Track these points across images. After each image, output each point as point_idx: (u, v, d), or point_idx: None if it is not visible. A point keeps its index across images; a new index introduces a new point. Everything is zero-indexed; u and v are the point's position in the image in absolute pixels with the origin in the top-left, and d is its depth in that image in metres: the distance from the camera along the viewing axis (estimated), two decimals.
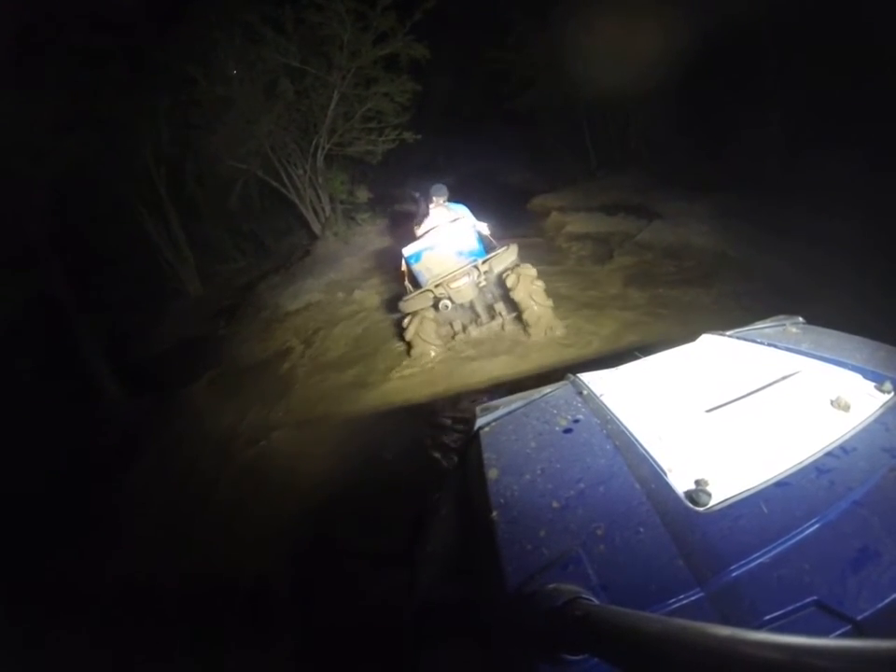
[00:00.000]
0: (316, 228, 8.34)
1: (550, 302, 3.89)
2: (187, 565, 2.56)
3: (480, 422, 1.25)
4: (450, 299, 3.88)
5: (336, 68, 7.12)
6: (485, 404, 1.37)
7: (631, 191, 7.66)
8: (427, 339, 3.97)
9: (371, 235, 8.11)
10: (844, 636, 0.60)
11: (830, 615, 0.62)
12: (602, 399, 1.19)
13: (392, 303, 4.96)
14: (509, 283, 3.82)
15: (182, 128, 7.27)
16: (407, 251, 3.85)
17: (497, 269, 3.86)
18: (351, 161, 8.76)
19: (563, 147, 11.44)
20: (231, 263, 9.32)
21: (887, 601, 0.62)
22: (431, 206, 4.21)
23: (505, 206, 6.23)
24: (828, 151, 5.17)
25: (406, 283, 4.11)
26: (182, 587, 2.37)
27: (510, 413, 1.26)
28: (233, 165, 7.51)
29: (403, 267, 3.96)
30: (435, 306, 3.92)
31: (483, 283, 3.95)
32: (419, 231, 4.14)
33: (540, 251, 6.17)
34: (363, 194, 8.46)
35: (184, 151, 7.60)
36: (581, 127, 10.37)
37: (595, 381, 1.30)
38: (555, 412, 1.20)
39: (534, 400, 1.29)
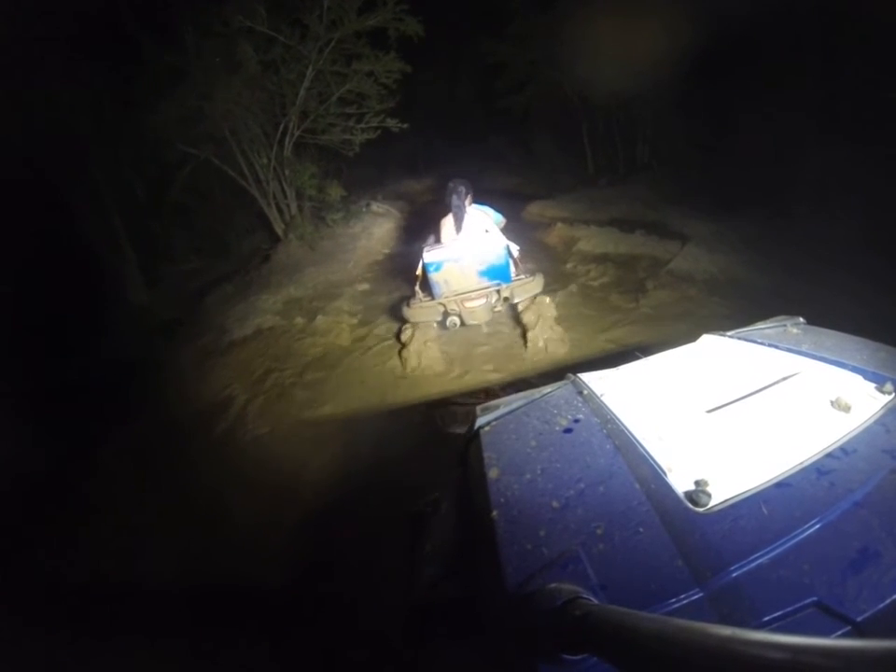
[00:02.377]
0: (279, 228, 7.20)
1: (559, 332, 3.62)
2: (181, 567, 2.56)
3: (480, 421, 1.25)
4: (460, 318, 3.55)
5: (312, 38, 6.05)
6: (486, 404, 1.37)
7: (642, 205, 6.90)
8: (428, 354, 3.64)
9: (343, 240, 7.02)
10: (844, 636, 0.60)
11: (830, 616, 0.62)
12: (602, 398, 1.19)
13: (366, 336, 4.36)
14: (525, 318, 3.61)
15: (122, 102, 5.97)
16: (428, 257, 3.38)
17: (518, 298, 3.57)
18: (324, 153, 7.65)
19: (557, 152, 10.88)
20: (184, 264, 7.95)
21: (887, 602, 0.62)
22: (468, 205, 3.66)
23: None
24: (853, 158, 4.77)
25: (416, 287, 3.67)
26: (178, 591, 2.37)
27: (510, 412, 1.26)
28: (184, 150, 6.35)
29: (419, 271, 3.52)
30: (442, 322, 3.60)
31: (499, 309, 3.66)
32: (443, 232, 3.67)
33: (548, 273, 5.01)
34: (336, 191, 7.25)
35: (124, 131, 6.30)
36: (580, 131, 9.87)
37: (595, 381, 1.30)
38: (556, 411, 1.20)
39: (534, 400, 1.29)
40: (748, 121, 6.44)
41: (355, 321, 4.75)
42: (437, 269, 3.39)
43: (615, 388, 1.24)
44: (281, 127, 6.58)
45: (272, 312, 5.19)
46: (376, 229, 7.43)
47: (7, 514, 2.99)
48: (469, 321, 3.60)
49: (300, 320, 4.86)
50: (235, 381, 4.12)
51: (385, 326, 4.47)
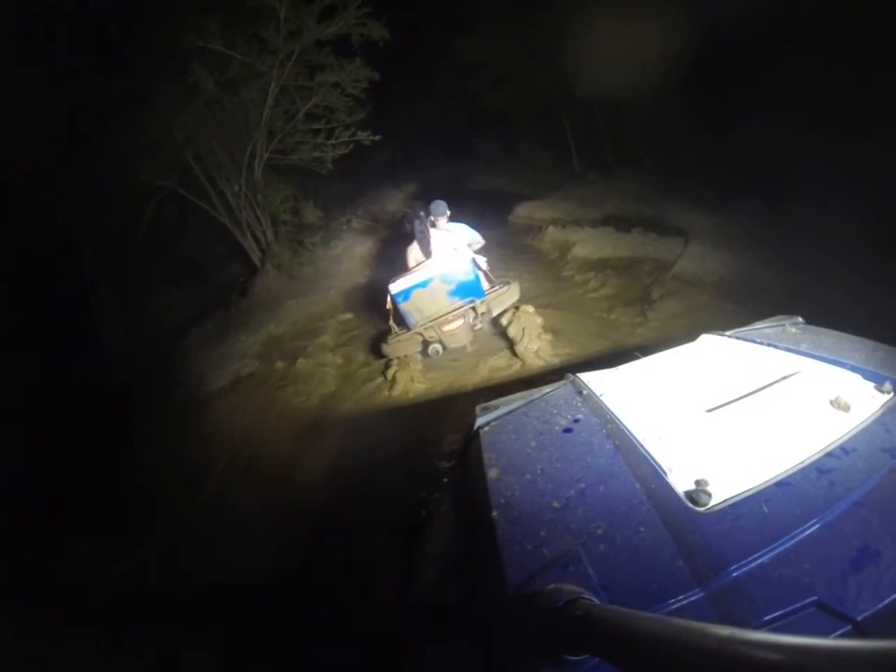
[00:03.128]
0: (256, 258, 6.70)
1: (549, 344, 3.46)
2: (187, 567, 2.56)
3: (480, 421, 1.25)
4: (441, 343, 3.45)
5: (270, 52, 5.64)
6: (485, 404, 1.36)
7: (635, 199, 6.54)
8: (416, 386, 3.49)
9: (324, 264, 6.62)
10: (844, 636, 0.60)
11: (830, 615, 0.62)
12: (602, 398, 1.19)
13: (352, 376, 3.97)
14: (510, 331, 3.46)
15: (80, 131, 5.35)
16: (394, 288, 3.27)
17: (497, 310, 3.48)
18: (298, 173, 7.27)
19: (541, 150, 10.56)
20: (163, 297, 7.23)
21: (887, 601, 0.62)
22: (431, 229, 3.60)
23: (479, 218, 4.71)
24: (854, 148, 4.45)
25: (391, 322, 3.55)
26: (182, 589, 2.37)
27: (510, 412, 1.26)
28: (151, 182, 5.86)
29: (389, 304, 3.42)
30: (424, 351, 3.50)
31: (480, 326, 3.55)
32: (411, 260, 3.59)
33: (543, 286, 4.80)
34: (312, 213, 6.89)
35: (93, 165, 5.64)
36: (562, 126, 9.48)
37: (594, 381, 1.30)
38: (555, 411, 1.20)
39: (534, 400, 1.29)
40: (741, 108, 6.13)
41: (339, 360, 4.32)
42: (405, 298, 3.29)
43: (615, 388, 1.24)
44: (248, 150, 6.18)
45: (250, 355, 4.75)
46: (358, 247, 7.15)
47: None
48: (451, 345, 3.50)
49: (280, 364, 4.38)
50: (215, 442, 3.64)
51: (371, 360, 4.09)
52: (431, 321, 3.34)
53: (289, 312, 5.49)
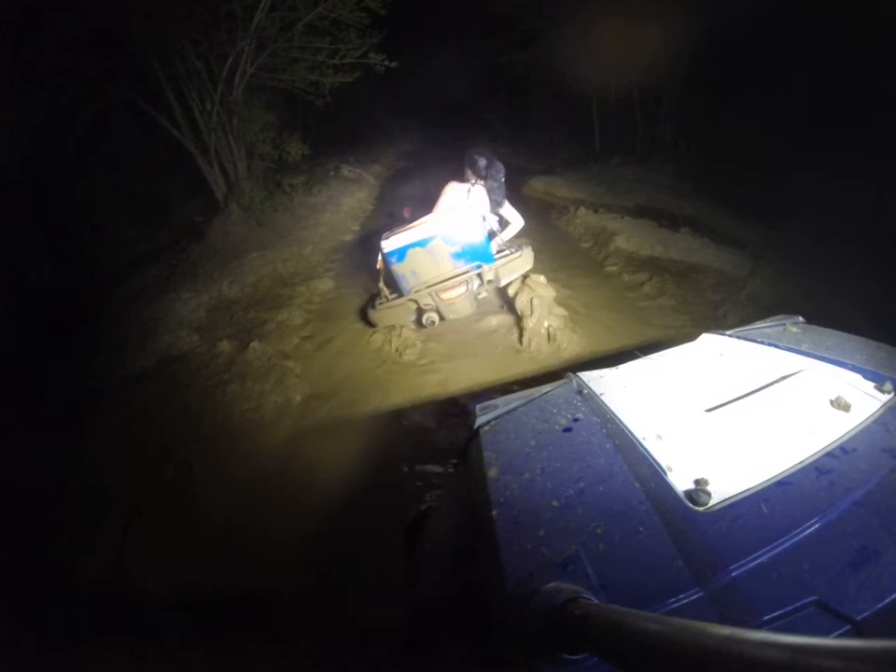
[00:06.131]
0: (221, 194, 5.59)
1: (564, 322, 3.09)
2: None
3: (480, 420, 1.25)
4: (438, 312, 3.04)
5: None
6: (485, 403, 1.36)
7: (671, 195, 5.89)
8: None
9: (302, 212, 5.52)
10: (843, 636, 0.60)
11: (830, 615, 0.62)
12: (602, 397, 1.19)
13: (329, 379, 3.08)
14: (518, 304, 3.10)
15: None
16: (387, 245, 2.83)
17: (507, 279, 3.10)
18: (285, 104, 6.12)
19: (556, 124, 9.75)
20: (116, 233, 5.82)
21: (886, 601, 0.62)
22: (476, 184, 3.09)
23: None
24: None
25: (381, 283, 3.08)
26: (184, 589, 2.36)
27: (509, 411, 1.26)
28: (97, 85, 4.70)
29: (380, 264, 3.00)
30: (417, 320, 3.10)
31: (485, 294, 3.19)
32: (444, 201, 3.12)
33: (582, 281, 4.14)
34: (297, 148, 5.79)
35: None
36: (588, 103, 8.64)
37: (594, 380, 1.30)
38: (555, 410, 1.20)
39: (534, 399, 1.29)
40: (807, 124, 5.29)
41: (309, 347, 3.38)
42: (399, 258, 2.85)
43: (615, 387, 1.24)
44: (230, 60, 5.08)
45: (189, 325, 3.63)
46: (346, 198, 6.17)
47: None
48: (450, 315, 3.10)
49: (225, 346, 3.28)
50: (116, 467, 2.52)
51: (358, 344, 3.36)
52: (428, 287, 2.93)
53: (250, 268, 4.40)
